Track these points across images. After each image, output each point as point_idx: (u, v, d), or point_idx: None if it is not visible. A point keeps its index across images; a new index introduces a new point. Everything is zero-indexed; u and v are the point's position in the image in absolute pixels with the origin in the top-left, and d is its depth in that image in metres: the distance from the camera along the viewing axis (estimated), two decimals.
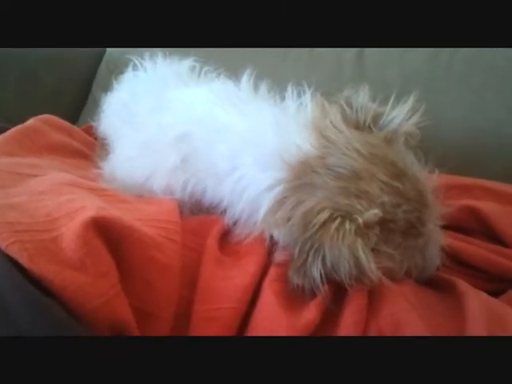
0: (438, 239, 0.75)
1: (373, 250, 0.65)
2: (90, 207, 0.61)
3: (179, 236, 0.67)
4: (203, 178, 0.77)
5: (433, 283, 0.76)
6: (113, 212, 0.62)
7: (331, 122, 0.73)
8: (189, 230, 0.72)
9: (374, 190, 0.67)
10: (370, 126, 0.74)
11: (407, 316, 0.62)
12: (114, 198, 0.73)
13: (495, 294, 0.74)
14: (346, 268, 0.61)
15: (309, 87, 0.78)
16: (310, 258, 0.63)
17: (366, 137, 0.72)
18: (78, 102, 1.42)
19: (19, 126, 0.98)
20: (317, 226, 0.64)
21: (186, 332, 0.62)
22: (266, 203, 0.71)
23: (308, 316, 0.62)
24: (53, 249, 0.56)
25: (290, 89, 0.78)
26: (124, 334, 0.58)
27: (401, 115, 0.74)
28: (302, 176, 0.69)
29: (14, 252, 0.54)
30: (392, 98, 0.75)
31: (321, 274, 0.62)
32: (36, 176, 0.75)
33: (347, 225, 0.63)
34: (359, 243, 0.62)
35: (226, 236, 0.74)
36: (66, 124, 1.08)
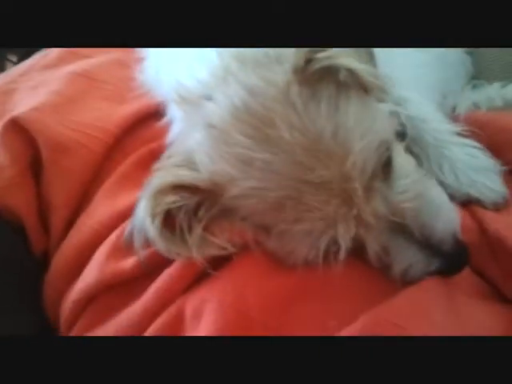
0: None
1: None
2: (27, 104, 0.72)
3: (101, 145, 0.71)
4: None
5: None
6: (37, 114, 0.71)
7: None
8: (142, 139, 0.74)
9: None
10: None
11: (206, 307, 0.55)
12: (107, 92, 0.79)
13: None
14: None
15: None
16: None
17: None
18: None
19: None
20: None
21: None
22: None
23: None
24: None
25: None
26: (20, 223, 0.70)
27: None
28: None
29: None
30: None
31: None
32: (87, 57, 0.88)
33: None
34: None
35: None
36: None
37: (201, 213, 0.57)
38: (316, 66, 0.54)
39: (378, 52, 0.79)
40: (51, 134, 0.71)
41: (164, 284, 0.59)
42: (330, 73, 0.55)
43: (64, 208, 0.71)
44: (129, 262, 0.62)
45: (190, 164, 0.57)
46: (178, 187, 0.56)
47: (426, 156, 0.76)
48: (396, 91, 0.78)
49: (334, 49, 0.54)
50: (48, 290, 0.69)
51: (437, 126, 0.76)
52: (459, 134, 0.77)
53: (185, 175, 0.56)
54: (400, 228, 0.58)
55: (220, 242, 0.57)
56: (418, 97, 0.78)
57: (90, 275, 0.63)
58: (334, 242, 0.55)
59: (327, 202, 0.54)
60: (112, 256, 0.63)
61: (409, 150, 0.75)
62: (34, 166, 0.72)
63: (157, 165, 0.60)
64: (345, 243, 0.55)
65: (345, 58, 0.54)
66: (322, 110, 0.53)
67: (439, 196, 0.62)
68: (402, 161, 0.61)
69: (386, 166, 0.58)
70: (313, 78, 0.54)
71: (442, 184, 0.74)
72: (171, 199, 0.56)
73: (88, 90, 0.79)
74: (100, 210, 0.68)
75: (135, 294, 0.61)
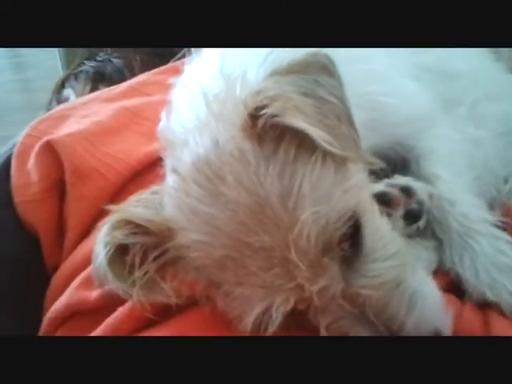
0: None
1: None
2: (67, 130, 0.78)
3: (118, 177, 0.75)
4: None
5: None
6: (69, 140, 0.77)
7: None
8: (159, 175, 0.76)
9: None
10: None
11: None
12: (144, 128, 0.83)
13: None
14: None
15: None
16: None
17: None
18: None
19: None
20: None
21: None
22: None
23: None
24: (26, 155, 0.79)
25: None
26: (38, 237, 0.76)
27: None
28: None
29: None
30: None
31: None
32: (147, 95, 0.93)
33: None
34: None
35: None
36: None
37: (155, 253, 0.55)
38: (261, 123, 0.50)
39: (417, 122, 0.73)
40: (76, 160, 0.76)
41: (115, 321, 0.59)
42: (292, 133, 0.50)
43: (75, 230, 0.75)
44: (94, 293, 0.63)
45: (152, 204, 0.57)
46: (131, 223, 0.55)
47: (449, 242, 0.67)
48: (428, 167, 0.71)
49: (283, 104, 0.49)
50: (46, 304, 0.73)
51: (466, 211, 0.67)
52: (493, 225, 0.67)
53: (139, 213, 0.56)
54: (362, 317, 0.52)
55: (166, 289, 0.55)
56: (450, 176, 0.69)
57: (63, 298, 0.66)
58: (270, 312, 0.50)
59: (267, 270, 0.49)
60: (83, 284, 0.65)
61: (431, 233, 0.68)
62: (61, 186, 0.78)
63: (133, 197, 0.60)
64: (277, 316, 0.50)
65: (293, 116, 0.49)
66: (274, 172, 0.50)
67: (423, 287, 0.54)
68: (379, 240, 0.54)
69: (354, 244, 0.53)
70: (268, 136, 0.50)
71: (459, 277, 0.65)
72: (122, 233, 0.55)
73: (128, 124, 0.84)
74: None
75: (97, 323, 0.62)
